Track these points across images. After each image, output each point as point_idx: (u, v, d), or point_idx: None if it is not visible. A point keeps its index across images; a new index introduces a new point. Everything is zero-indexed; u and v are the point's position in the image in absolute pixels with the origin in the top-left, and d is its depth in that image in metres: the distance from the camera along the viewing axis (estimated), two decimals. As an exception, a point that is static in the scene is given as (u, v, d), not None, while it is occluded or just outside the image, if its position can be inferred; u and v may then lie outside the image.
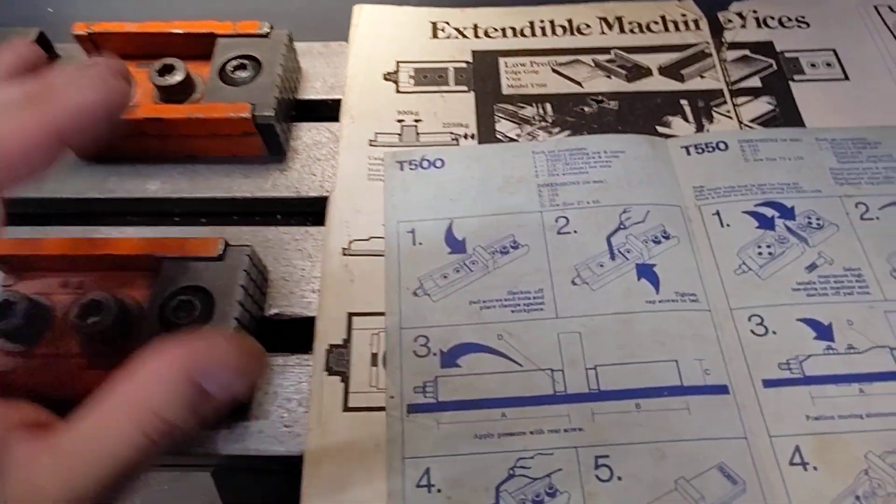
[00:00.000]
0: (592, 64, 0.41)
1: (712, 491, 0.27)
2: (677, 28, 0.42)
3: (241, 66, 0.36)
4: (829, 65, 0.40)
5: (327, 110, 0.40)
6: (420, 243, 0.34)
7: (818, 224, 0.34)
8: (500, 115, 0.39)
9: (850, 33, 0.41)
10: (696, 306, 0.32)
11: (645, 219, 0.34)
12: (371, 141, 0.38)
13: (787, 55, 0.40)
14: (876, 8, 0.42)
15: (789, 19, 0.42)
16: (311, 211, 0.37)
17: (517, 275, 0.33)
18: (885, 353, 0.30)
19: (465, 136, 0.38)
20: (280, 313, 0.33)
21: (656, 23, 0.42)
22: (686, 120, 0.38)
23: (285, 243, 0.35)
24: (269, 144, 0.36)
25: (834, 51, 0.40)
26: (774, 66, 0.40)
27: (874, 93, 0.38)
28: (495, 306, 0.32)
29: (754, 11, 0.42)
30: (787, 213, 0.34)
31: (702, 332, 0.31)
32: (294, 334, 0.33)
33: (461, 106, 0.39)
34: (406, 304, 0.32)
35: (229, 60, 0.36)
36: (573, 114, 0.38)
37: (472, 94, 0.40)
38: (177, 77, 0.36)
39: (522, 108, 0.39)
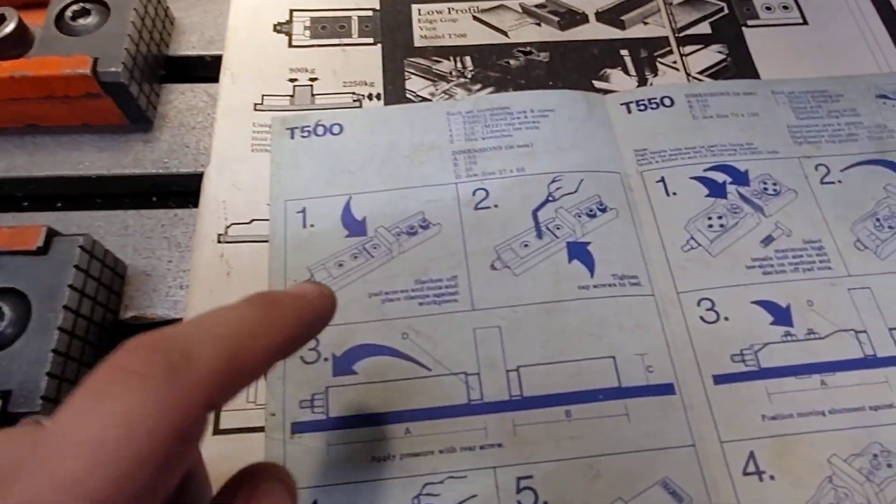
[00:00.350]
0: (520, 10, 0.35)
1: (654, 512, 0.23)
2: (617, -32, 0.37)
3: (84, 12, 0.29)
4: (785, 7, 0.35)
5: (206, 69, 0.34)
6: (311, 225, 0.28)
7: (775, 190, 0.29)
8: (412, 70, 0.33)
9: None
10: (638, 291, 0.27)
11: (578, 189, 0.29)
12: (256, 104, 0.32)
13: (736, -2, 0.35)
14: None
15: (742, -43, 0.37)
16: (184, 191, 0.31)
17: (427, 260, 0.27)
18: (849, 337, 0.26)
19: (370, 97, 0.32)
20: (139, 316, 0.27)
21: (594, -38, 0.37)
22: (627, 73, 0.33)
23: (148, 230, 0.29)
24: (126, 109, 0.30)
25: (793, -7, 0.36)
26: (726, 10, 0.35)
27: (835, 39, 0.34)
28: (400, 298, 0.27)
29: (703, -51, 0.37)
30: (741, 177, 0.30)
31: (644, 321, 0.26)
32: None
33: (366, 61, 0.33)
34: (293, 301, 0.27)
35: (69, 5, 0.29)
36: (497, 68, 0.33)
37: (378, 48, 0.33)
38: (7, 28, 0.29)
39: (438, 62, 0.33)
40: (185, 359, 0.14)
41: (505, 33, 0.34)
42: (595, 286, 0.27)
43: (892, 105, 0.31)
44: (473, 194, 0.29)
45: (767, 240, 0.28)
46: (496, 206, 0.29)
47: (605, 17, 0.35)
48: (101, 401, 0.13)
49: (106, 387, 0.13)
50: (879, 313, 0.26)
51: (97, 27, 0.29)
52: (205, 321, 0.15)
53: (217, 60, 0.33)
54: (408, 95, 0.32)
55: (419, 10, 0.35)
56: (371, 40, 0.34)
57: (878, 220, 0.29)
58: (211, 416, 0.25)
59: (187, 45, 0.34)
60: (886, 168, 0.30)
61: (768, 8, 0.35)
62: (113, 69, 0.28)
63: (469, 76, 0.33)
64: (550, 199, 0.29)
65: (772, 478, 0.24)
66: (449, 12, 0.35)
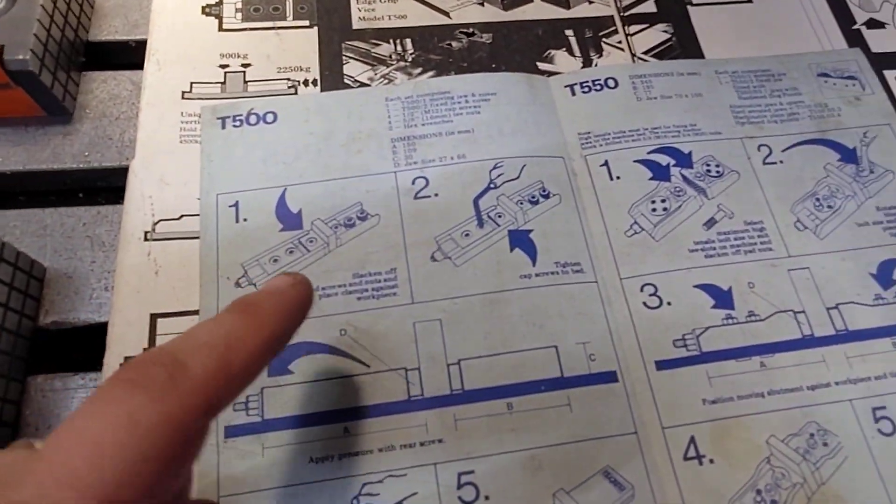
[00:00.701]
0: (462, -11, 0.34)
1: (596, 502, 0.23)
2: (562, -55, 0.36)
3: (-13, -5, 0.27)
4: (731, -14, 0.35)
5: (130, 55, 0.32)
6: (245, 220, 0.27)
7: (718, 171, 0.29)
8: (350, 54, 0.31)
9: (755, -50, 0.36)
10: (581, 278, 0.26)
11: (520, 175, 0.28)
12: (185, 93, 0.30)
13: (683, -25, 0.35)
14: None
15: (688, -67, 0.36)
16: (110, 187, 0.29)
17: (365, 252, 0.26)
18: (788, 318, 0.26)
19: (306, 83, 0.31)
20: (60, 321, 0.26)
21: (539, -61, 0.36)
22: (571, 53, 0.32)
23: (69, 230, 0.27)
24: (40, 100, 0.28)
25: (736, -30, 0.35)
26: (671, -11, 0.34)
27: (779, 16, 0.34)
28: (337, 294, 0.26)
29: (649, -75, 0.36)
30: (684, 159, 0.29)
31: (587, 308, 0.26)
32: (81, 347, 0.26)
33: (301, 45, 0.32)
34: (226, 299, 0.25)
35: (-32, -13, 0.27)
36: (438, 50, 0.32)
37: (315, 31, 0.32)
38: None
39: (377, 45, 0.32)
40: (181, 368, 0.15)
41: (447, 14, 0.33)
42: (537, 275, 0.26)
43: (832, 84, 0.31)
44: (413, 183, 0.28)
45: (710, 222, 0.28)
46: (436, 194, 0.28)
47: (549, -5, 0.34)
48: (104, 406, 0.13)
49: (108, 395, 0.14)
50: (818, 293, 0.27)
51: (4, 12, 0.27)
52: (195, 333, 0.16)
53: (142, 46, 0.31)
54: (346, 81, 0.31)
55: (359, -10, 0.33)
56: (307, 23, 0.32)
57: (817, 199, 0.29)
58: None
59: (109, 30, 0.32)
60: (826, 147, 0.30)
61: (714, -15, 0.35)
62: (20, 56, 0.26)
63: (409, 59, 0.31)
64: (492, 186, 0.28)
65: (711, 461, 0.24)
66: (388, -8, 0.33)
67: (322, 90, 0.30)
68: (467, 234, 0.27)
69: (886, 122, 0.31)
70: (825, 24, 0.33)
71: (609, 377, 0.25)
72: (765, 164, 0.29)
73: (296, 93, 0.30)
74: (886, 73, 0.32)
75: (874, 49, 0.33)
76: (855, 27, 0.33)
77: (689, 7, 0.34)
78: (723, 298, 0.26)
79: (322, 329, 0.25)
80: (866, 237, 0.28)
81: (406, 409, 0.24)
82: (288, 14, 0.32)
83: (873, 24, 0.33)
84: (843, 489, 0.23)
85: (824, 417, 0.24)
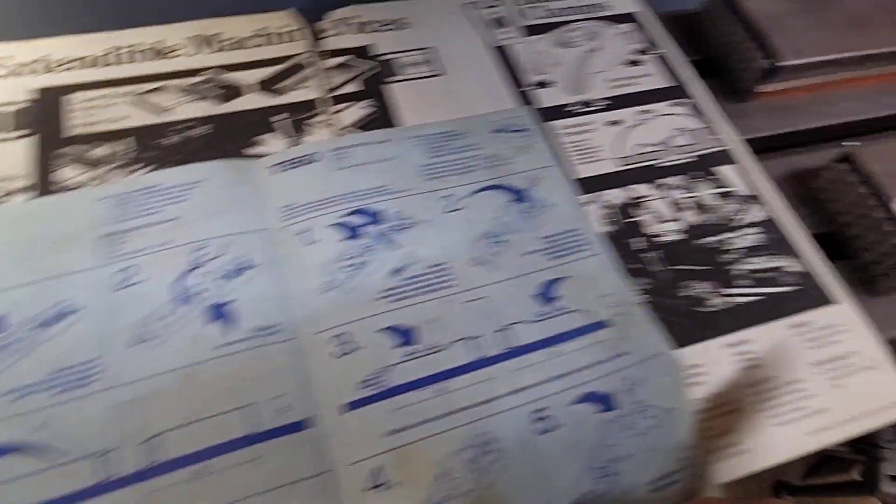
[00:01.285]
0: (181, 89, 0.37)
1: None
2: (279, 40, 0.40)
3: None
4: (427, 62, 0.40)
5: None
6: (-58, 333, 0.28)
7: (408, 223, 0.33)
8: (66, 159, 0.33)
9: (451, 31, 0.42)
10: (277, 338, 0.29)
11: (225, 252, 0.31)
12: None
13: (383, 58, 0.40)
14: (473, 3, 0.44)
15: (390, 22, 0.42)
16: None
17: (68, 347, 0.28)
18: (464, 344, 0.30)
19: (22, 190, 0.32)
20: None
21: (258, 36, 0.40)
22: (282, 135, 0.36)
23: None
24: None
25: (436, 48, 0.41)
26: (375, 70, 0.39)
27: (465, 85, 0.39)
28: (35, 392, 0.27)
29: (358, 17, 0.42)
30: (375, 217, 0.33)
31: (282, 366, 0.28)
32: None
33: (16, 155, 0.33)
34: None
35: None
36: (155, 147, 0.35)
37: (33, 139, 0.34)
38: None
39: (97, 146, 0.34)
40: None
41: (165, 112, 0.36)
42: (235, 342, 0.29)
43: (506, 136, 0.37)
44: (119, 274, 0.30)
45: (397, 270, 0.32)
46: (142, 282, 0.30)
47: (264, 86, 0.38)
48: None
49: None
50: (491, 319, 0.31)
51: None
52: None
53: None
54: (62, 185, 0.33)
55: (73, 99, 0.36)
56: (27, 131, 0.34)
57: (493, 236, 0.33)
58: None
59: None
60: (501, 191, 0.35)
61: (412, 64, 0.40)
62: None
63: (127, 159, 0.34)
64: (196, 266, 0.30)
65: (399, 484, 0.26)
66: (108, 98, 0.36)
67: (39, 195, 0.32)
68: (170, 315, 0.29)
69: (551, 164, 0.36)
70: (501, 88, 0.39)
71: (300, 426, 0.27)
72: (449, 211, 0.34)
73: (7, 201, 0.32)
74: (551, 123, 0.38)
75: (543, 104, 0.39)
76: (522, 89, 0.39)
77: (387, 85, 0.39)
78: (408, 336, 0.30)
79: (17, 430, 0.26)
80: (531, 263, 0.33)
81: (93, 495, 0.25)
82: (7, 127, 0.34)
83: (542, 84, 0.40)
84: (508, 488, 0.27)
85: (491, 427, 0.28)
